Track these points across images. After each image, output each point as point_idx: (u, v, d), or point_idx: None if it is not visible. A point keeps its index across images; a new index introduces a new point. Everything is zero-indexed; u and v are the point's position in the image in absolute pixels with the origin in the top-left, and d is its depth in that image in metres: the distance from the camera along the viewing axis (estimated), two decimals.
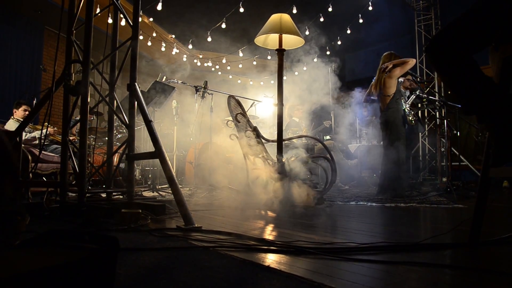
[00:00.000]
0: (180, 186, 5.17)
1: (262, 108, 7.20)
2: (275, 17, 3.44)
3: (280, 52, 3.46)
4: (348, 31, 8.83)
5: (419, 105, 5.51)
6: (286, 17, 3.44)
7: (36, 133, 4.98)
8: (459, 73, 1.42)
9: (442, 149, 7.03)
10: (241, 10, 7.47)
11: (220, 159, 5.35)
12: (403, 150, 4.19)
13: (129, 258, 1.35)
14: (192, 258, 1.36)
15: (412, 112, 4.41)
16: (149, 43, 8.98)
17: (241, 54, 9.49)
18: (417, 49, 8.80)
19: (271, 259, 1.34)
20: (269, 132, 6.42)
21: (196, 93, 5.01)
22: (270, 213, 2.85)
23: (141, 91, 2.81)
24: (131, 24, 2.86)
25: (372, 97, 4.52)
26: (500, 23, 1.37)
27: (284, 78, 3.72)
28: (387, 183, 4.22)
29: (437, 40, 1.45)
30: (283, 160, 3.42)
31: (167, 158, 2.40)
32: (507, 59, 1.48)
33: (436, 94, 8.18)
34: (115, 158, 4.12)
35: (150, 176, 5.48)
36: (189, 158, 6.22)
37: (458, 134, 5.92)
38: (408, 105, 4.59)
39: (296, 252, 1.44)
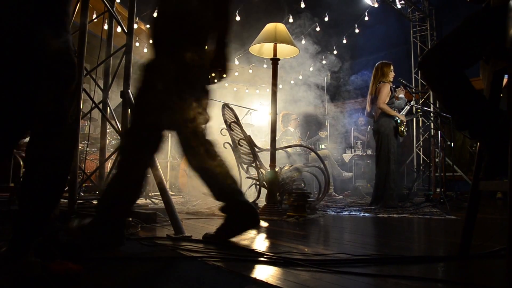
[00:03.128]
0: (173, 194, 5.13)
1: (258, 116, 7.21)
2: (270, 26, 3.46)
3: (275, 61, 3.47)
4: (344, 41, 8.89)
5: (414, 112, 5.51)
6: (281, 26, 3.46)
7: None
8: (451, 89, 1.42)
9: (436, 160, 7.05)
10: (237, 18, 7.51)
11: None
12: (393, 161, 4.18)
13: (116, 267, 1.34)
14: (179, 269, 1.34)
15: (404, 123, 4.40)
16: (145, 50, 8.97)
17: (237, 62, 9.51)
18: (412, 59, 8.87)
19: (259, 271, 1.33)
20: (265, 140, 6.41)
21: None
22: (262, 223, 2.83)
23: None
24: (126, 31, 2.86)
25: (373, 113, 4.49)
26: (488, 38, 1.38)
27: (280, 87, 3.73)
28: (379, 193, 4.22)
29: (428, 57, 1.46)
30: (276, 169, 3.41)
31: (159, 166, 2.38)
32: (497, 73, 1.49)
33: (431, 105, 8.23)
34: (108, 165, 4.09)
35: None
36: (183, 165, 6.20)
37: (452, 145, 5.94)
38: (402, 114, 4.58)
39: (285, 264, 1.42)
